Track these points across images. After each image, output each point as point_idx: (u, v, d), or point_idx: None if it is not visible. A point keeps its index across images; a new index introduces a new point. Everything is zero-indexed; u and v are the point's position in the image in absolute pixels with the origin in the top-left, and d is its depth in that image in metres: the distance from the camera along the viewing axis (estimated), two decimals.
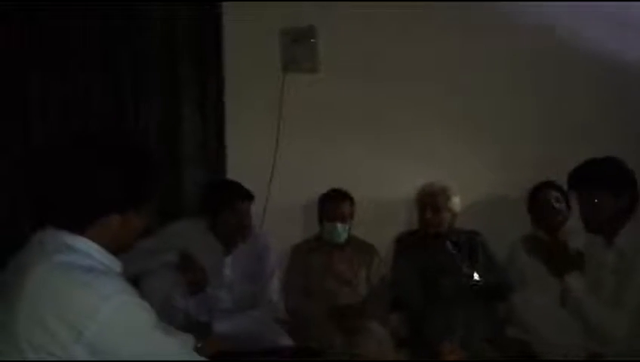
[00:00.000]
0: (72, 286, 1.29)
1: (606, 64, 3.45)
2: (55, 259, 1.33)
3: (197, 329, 2.50)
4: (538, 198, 3.13)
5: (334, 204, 3.10)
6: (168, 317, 2.51)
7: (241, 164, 3.32)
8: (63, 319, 1.27)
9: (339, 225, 3.08)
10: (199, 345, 2.05)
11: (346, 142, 3.45)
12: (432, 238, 3.15)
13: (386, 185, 3.43)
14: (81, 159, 1.40)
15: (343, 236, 3.11)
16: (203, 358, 1.48)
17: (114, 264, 1.42)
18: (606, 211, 2.23)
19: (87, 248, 1.38)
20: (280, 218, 3.34)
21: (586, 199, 2.27)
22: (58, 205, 1.39)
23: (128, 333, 1.32)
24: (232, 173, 3.26)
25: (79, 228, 1.38)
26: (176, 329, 2.32)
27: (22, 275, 1.33)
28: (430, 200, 3.14)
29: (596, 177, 2.26)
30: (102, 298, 1.28)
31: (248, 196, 2.79)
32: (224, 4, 3.34)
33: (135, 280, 2.57)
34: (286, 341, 2.69)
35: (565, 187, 2.98)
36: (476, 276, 2.99)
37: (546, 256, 2.43)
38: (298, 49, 3.47)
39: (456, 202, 3.16)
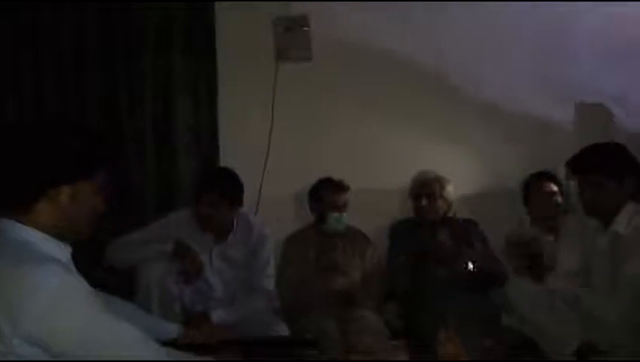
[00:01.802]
0: (7, 279, 1.28)
1: None
2: (2, 256, 1.32)
3: (194, 319, 2.51)
4: (532, 189, 3.12)
5: (337, 193, 3.09)
6: (165, 306, 2.51)
7: (235, 152, 3.30)
8: (1, 313, 1.25)
9: (344, 215, 3.08)
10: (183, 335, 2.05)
11: (340, 130, 3.44)
12: (426, 227, 3.15)
13: (380, 174, 3.42)
14: (25, 137, 1.41)
15: (344, 225, 3.11)
16: (152, 343, 1.46)
17: (58, 251, 1.40)
18: (607, 195, 2.23)
19: (27, 236, 1.36)
20: (274, 206, 3.33)
21: (588, 182, 2.27)
22: (7, 182, 1.38)
23: (66, 321, 1.30)
24: (225, 162, 3.23)
25: (28, 204, 1.37)
26: (172, 318, 2.35)
27: None
28: (425, 189, 3.14)
29: (600, 161, 2.27)
30: (37, 288, 1.26)
31: (212, 187, 2.67)
32: None
33: (131, 271, 2.58)
34: (282, 330, 2.68)
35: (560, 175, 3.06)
36: (470, 265, 2.98)
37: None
38: (291, 37, 3.45)
39: (450, 191, 3.16)
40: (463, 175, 3.39)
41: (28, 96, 3.20)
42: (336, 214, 3.08)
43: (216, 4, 3.35)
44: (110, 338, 1.36)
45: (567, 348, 2.31)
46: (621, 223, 2.23)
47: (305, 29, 3.44)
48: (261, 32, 3.42)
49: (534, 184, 3.10)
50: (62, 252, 1.41)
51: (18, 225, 1.36)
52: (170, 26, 3.28)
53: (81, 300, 1.32)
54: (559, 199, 3.06)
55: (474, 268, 2.98)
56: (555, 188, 3.06)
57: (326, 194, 3.12)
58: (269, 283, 2.81)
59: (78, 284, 1.34)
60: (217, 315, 2.57)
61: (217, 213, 2.68)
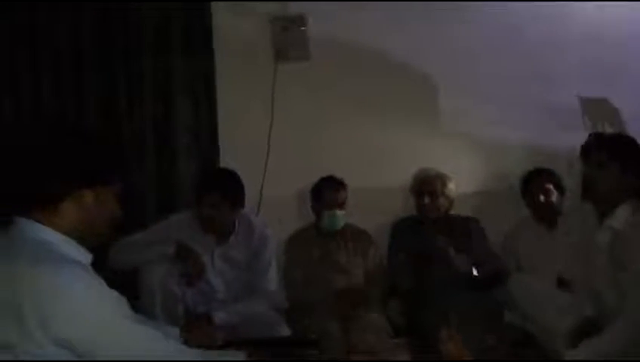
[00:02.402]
0: (36, 281, 1.29)
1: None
2: (19, 255, 1.33)
3: (197, 321, 2.51)
4: (531, 185, 3.13)
5: (333, 191, 3.09)
6: (168, 308, 2.52)
7: (235, 153, 3.30)
8: (30, 314, 1.27)
9: (338, 213, 3.08)
10: (183, 338, 2.05)
11: (340, 129, 3.44)
12: (428, 224, 3.15)
13: (381, 172, 3.43)
14: (53, 138, 1.44)
15: (342, 223, 3.11)
16: (178, 346, 1.51)
17: (81, 255, 1.42)
18: (610, 180, 2.19)
19: (51, 238, 1.38)
20: (275, 206, 3.33)
21: (591, 161, 2.24)
22: (33, 183, 1.39)
23: (94, 325, 1.32)
24: (226, 163, 3.23)
25: (52, 204, 1.39)
26: (175, 319, 2.36)
27: None
28: (427, 186, 3.14)
29: (607, 142, 2.28)
30: (61, 291, 1.28)
31: (212, 187, 2.67)
32: None
33: (134, 272, 2.58)
34: (284, 330, 2.69)
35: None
36: (475, 271, 3.00)
37: None
38: (288, 37, 3.45)
39: (452, 188, 3.16)
40: (464, 172, 3.39)
41: (25, 97, 3.20)
42: (330, 212, 3.08)
43: (213, 4, 3.35)
44: (132, 341, 1.39)
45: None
46: (619, 219, 2.19)
47: (302, 28, 3.44)
48: (259, 32, 3.43)
49: (533, 181, 3.11)
50: (82, 255, 1.43)
51: (37, 225, 1.38)
52: (168, 26, 3.29)
53: (105, 302, 1.35)
54: (558, 196, 3.07)
55: (477, 271, 2.99)
56: (552, 185, 3.06)
57: (322, 192, 3.12)
58: (271, 284, 2.81)
59: (101, 287, 1.36)
60: (219, 317, 2.57)
61: (219, 214, 2.68)
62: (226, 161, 3.28)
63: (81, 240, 1.44)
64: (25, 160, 1.41)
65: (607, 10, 3.39)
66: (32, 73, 3.20)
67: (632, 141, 2.29)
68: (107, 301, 1.36)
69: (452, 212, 3.22)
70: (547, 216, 3.09)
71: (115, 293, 1.38)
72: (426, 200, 3.13)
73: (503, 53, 3.45)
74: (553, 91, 3.44)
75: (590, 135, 2.35)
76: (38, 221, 1.39)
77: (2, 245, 1.38)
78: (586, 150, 2.31)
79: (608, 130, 3.43)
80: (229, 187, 2.70)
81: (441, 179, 3.15)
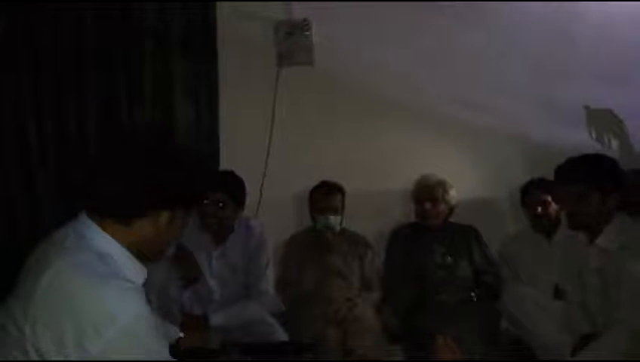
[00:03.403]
0: (83, 295, 1.25)
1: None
2: (70, 259, 1.29)
3: (193, 322, 2.51)
4: (529, 196, 3.13)
5: (325, 196, 3.10)
6: (164, 308, 2.52)
7: (235, 156, 3.30)
8: (70, 330, 1.23)
9: (331, 218, 3.08)
10: (181, 335, 2.05)
11: (341, 134, 3.45)
12: (428, 231, 3.15)
13: (382, 177, 3.43)
14: (144, 153, 1.40)
15: (336, 228, 3.11)
16: None
17: (137, 272, 1.38)
18: (592, 210, 2.18)
19: (108, 248, 1.33)
20: (273, 208, 3.34)
21: (573, 193, 2.21)
22: (114, 193, 1.35)
23: (131, 355, 1.27)
24: (226, 166, 3.23)
25: (128, 219, 1.36)
26: (171, 320, 2.36)
27: (37, 271, 1.30)
28: (428, 192, 3.14)
29: (587, 174, 2.20)
30: (112, 315, 1.23)
31: (217, 186, 2.68)
32: None
33: None
34: (281, 334, 2.69)
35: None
36: (474, 296, 3.02)
37: None
38: (293, 42, 3.45)
39: (453, 195, 3.17)
40: (465, 180, 3.39)
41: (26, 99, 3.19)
42: (323, 217, 3.08)
43: (218, 6, 3.35)
44: None
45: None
46: (607, 238, 2.19)
47: (307, 33, 3.45)
48: (262, 35, 3.43)
49: (531, 192, 3.11)
50: (139, 274, 1.39)
51: (106, 236, 1.34)
52: (170, 29, 3.28)
53: (150, 332, 1.30)
54: (556, 207, 3.06)
55: (475, 295, 3.00)
56: (551, 196, 3.05)
57: (316, 198, 3.12)
58: (267, 288, 2.81)
59: (145, 313, 1.30)
60: (215, 319, 2.58)
61: (223, 213, 2.70)
62: (226, 163, 3.29)
63: (138, 255, 1.39)
64: (121, 170, 1.37)
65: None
66: (31, 75, 3.19)
67: (607, 164, 2.25)
68: (152, 327, 1.30)
69: (452, 219, 3.23)
70: (545, 227, 3.09)
71: (153, 317, 1.32)
72: (427, 206, 3.13)
73: (506, 58, 3.45)
74: (557, 92, 3.43)
75: (560, 168, 2.27)
76: (106, 227, 1.35)
77: (60, 242, 1.34)
78: (564, 179, 2.26)
79: (613, 141, 3.43)
80: (235, 187, 2.73)
81: (443, 186, 3.15)
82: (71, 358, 1.23)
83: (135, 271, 1.37)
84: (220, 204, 2.68)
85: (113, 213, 1.36)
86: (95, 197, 1.38)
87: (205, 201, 2.67)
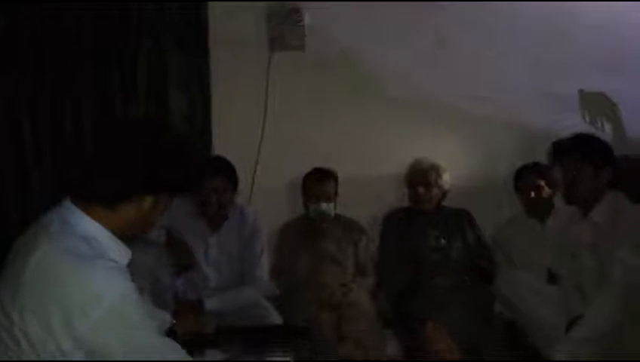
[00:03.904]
0: (69, 278, 1.27)
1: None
2: (56, 244, 1.31)
3: (187, 307, 2.51)
4: (522, 181, 3.14)
5: (318, 183, 3.09)
6: (157, 295, 2.51)
7: (228, 142, 3.29)
8: (57, 313, 1.25)
9: (324, 205, 3.08)
10: (174, 322, 2.05)
11: (333, 119, 3.43)
12: (421, 215, 3.15)
13: (375, 163, 3.42)
14: (130, 138, 1.41)
15: (330, 215, 3.11)
16: (189, 358, 1.47)
17: (121, 254, 1.40)
18: (586, 183, 2.31)
19: (94, 232, 1.35)
20: (267, 196, 3.33)
21: (569, 169, 2.34)
22: (99, 178, 1.37)
23: (119, 333, 1.30)
24: (219, 152, 3.22)
25: (113, 203, 1.37)
26: (164, 307, 2.35)
27: (24, 256, 1.31)
28: (421, 177, 3.14)
29: (581, 149, 2.35)
30: (98, 295, 1.26)
31: (218, 172, 2.71)
32: None
33: None
34: (275, 318, 2.69)
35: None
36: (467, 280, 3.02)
37: None
38: (284, 27, 3.44)
39: (446, 180, 3.17)
40: (461, 166, 3.40)
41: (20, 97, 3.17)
42: (315, 205, 3.08)
43: None
44: (150, 352, 1.36)
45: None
46: (600, 213, 2.30)
47: (298, 18, 3.43)
48: (254, 21, 3.41)
49: (524, 176, 3.12)
50: (124, 254, 1.42)
51: (90, 220, 1.36)
52: (162, 18, 3.26)
53: (137, 310, 1.33)
54: (550, 191, 3.08)
55: (469, 279, 3.01)
56: (544, 180, 3.07)
57: (308, 184, 3.12)
58: (262, 273, 2.82)
59: (132, 294, 1.33)
60: (209, 304, 2.58)
61: (223, 198, 2.71)
62: (219, 149, 3.28)
63: (119, 236, 1.42)
64: (98, 154, 1.41)
65: None
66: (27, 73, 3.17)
67: (598, 141, 2.42)
68: (134, 309, 1.32)
69: (446, 204, 3.23)
70: (539, 211, 3.10)
71: (140, 298, 1.36)
72: (420, 190, 3.13)
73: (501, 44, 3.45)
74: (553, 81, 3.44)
75: (555, 143, 2.44)
76: (90, 212, 1.37)
77: (45, 227, 1.36)
78: (556, 157, 2.41)
79: (606, 125, 3.46)
80: (232, 172, 2.75)
81: (436, 170, 3.15)
82: (61, 342, 1.24)
83: (119, 252, 1.40)
84: (220, 190, 2.69)
85: (98, 199, 1.37)
86: (81, 184, 1.40)
87: (204, 190, 2.68)
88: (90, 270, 1.28)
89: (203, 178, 2.71)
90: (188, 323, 2.19)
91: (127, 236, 1.44)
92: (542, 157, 3.04)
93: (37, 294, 1.27)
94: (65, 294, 1.26)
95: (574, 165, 2.32)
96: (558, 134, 2.59)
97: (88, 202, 1.37)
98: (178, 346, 1.43)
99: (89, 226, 1.36)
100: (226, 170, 2.74)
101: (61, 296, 1.26)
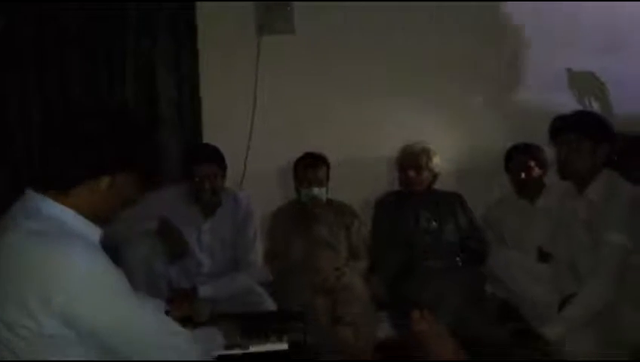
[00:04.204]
0: (39, 256, 1.27)
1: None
2: (23, 227, 1.31)
3: (181, 294, 2.52)
4: (513, 161, 3.15)
5: (309, 168, 3.09)
6: (151, 283, 2.51)
7: (218, 127, 3.28)
8: (31, 290, 1.25)
9: (315, 190, 3.08)
10: (168, 310, 2.06)
11: (324, 103, 3.42)
12: (412, 198, 3.16)
13: (366, 146, 3.43)
14: (76, 122, 1.40)
15: (321, 199, 3.11)
16: (177, 326, 1.48)
17: (90, 231, 1.39)
18: (584, 158, 2.29)
19: (59, 213, 1.35)
20: (258, 181, 3.33)
21: (566, 144, 2.32)
22: (51, 165, 1.38)
23: (98, 303, 1.30)
24: (209, 138, 3.21)
25: (67, 188, 1.37)
26: (158, 295, 2.35)
27: None
28: (412, 160, 3.14)
29: (579, 124, 2.33)
30: (69, 267, 1.26)
31: (210, 159, 2.72)
32: None
33: (116, 248, 2.56)
34: (269, 304, 2.70)
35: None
36: (459, 260, 3.04)
37: None
38: (273, 11, 3.42)
39: (437, 163, 3.17)
40: (448, 148, 3.40)
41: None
42: (307, 190, 3.07)
43: None
44: (133, 321, 1.37)
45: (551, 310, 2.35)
46: (595, 190, 2.28)
47: (287, 2, 3.41)
48: (243, 5, 3.39)
49: (515, 157, 3.13)
50: (93, 232, 1.40)
51: (52, 202, 1.36)
52: (151, 1, 3.23)
53: (111, 281, 1.33)
54: (540, 171, 3.09)
55: (460, 260, 3.03)
56: (534, 161, 3.08)
57: (299, 169, 3.12)
58: (255, 259, 2.82)
59: (108, 265, 1.34)
60: (204, 290, 2.58)
61: (216, 184, 2.71)
62: (209, 135, 3.26)
63: (91, 219, 1.41)
64: (48, 141, 1.40)
65: None
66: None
67: (597, 117, 2.43)
68: (110, 279, 1.33)
69: (437, 187, 3.24)
70: (530, 191, 3.12)
71: (117, 271, 1.36)
72: (411, 173, 3.13)
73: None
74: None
75: (555, 119, 2.40)
76: (54, 198, 1.36)
77: (11, 216, 1.36)
78: (555, 133, 2.38)
79: (594, 103, 3.48)
80: (222, 158, 2.76)
81: (427, 153, 3.15)
82: (43, 322, 1.24)
83: (87, 228, 1.39)
84: (212, 176, 2.70)
85: (50, 186, 1.37)
86: (35, 173, 1.42)
87: (197, 176, 2.69)
88: (59, 246, 1.29)
89: (194, 165, 2.71)
90: (182, 311, 2.19)
91: (99, 219, 1.43)
92: (532, 137, 3.06)
93: (10, 280, 1.27)
94: (37, 273, 1.26)
95: (573, 140, 2.30)
96: (548, 114, 2.56)
97: (45, 190, 1.37)
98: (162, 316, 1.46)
99: (52, 208, 1.36)
100: (217, 157, 2.74)
101: (33, 276, 1.26)
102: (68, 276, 1.26)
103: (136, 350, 1.37)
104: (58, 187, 1.37)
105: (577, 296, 2.18)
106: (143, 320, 1.39)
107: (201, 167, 2.69)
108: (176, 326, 1.49)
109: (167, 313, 2.03)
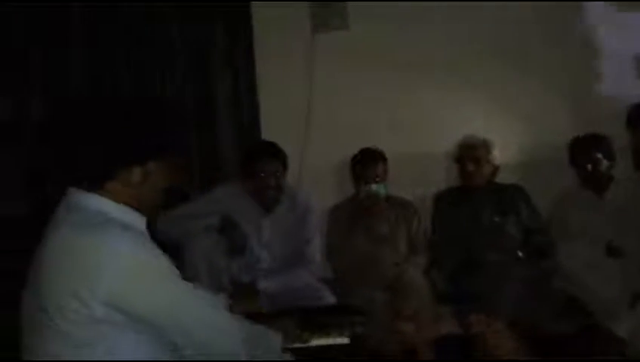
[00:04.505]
0: (86, 246, 1.30)
1: None
2: (66, 223, 1.35)
3: (242, 289, 2.56)
4: (577, 152, 3.04)
5: (367, 165, 3.07)
6: (213, 278, 2.57)
7: (275, 125, 3.31)
8: (81, 279, 1.28)
9: (374, 186, 3.06)
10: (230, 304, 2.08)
11: (379, 98, 3.41)
12: (473, 193, 3.10)
13: (424, 141, 3.40)
14: (98, 114, 1.41)
15: (381, 196, 3.09)
16: (225, 311, 1.49)
17: (134, 219, 1.41)
18: None
19: (99, 205, 1.37)
20: (316, 176, 3.36)
21: None
22: (79, 163, 1.39)
23: (145, 288, 1.32)
24: (266, 136, 3.25)
25: (100, 183, 1.38)
26: (220, 290, 2.41)
27: (40, 248, 1.35)
28: (471, 153, 3.07)
29: None
30: (110, 253, 1.28)
31: (274, 156, 2.75)
32: None
33: (178, 245, 2.63)
34: (329, 299, 2.71)
35: None
36: (520, 254, 2.97)
37: None
38: (327, 8, 3.42)
39: (496, 155, 3.10)
40: (510, 141, 3.34)
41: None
42: (366, 187, 3.05)
43: None
44: (181, 301, 1.38)
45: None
46: None
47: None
48: (298, 2, 3.42)
49: (580, 148, 3.02)
50: (137, 221, 1.43)
51: (93, 196, 1.38)
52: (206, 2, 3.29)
53: (157, 266, 1.35)
54: (605, 162, 2.97)
55: (523, 254, 2.96)
56: (599, 152, 2.96)
57: (357, 166, 3.10)
58: (315, 254, 2.84)
59: (154, 251, 1.36)
60: (264, 286, 2.62)
61: (280, 181, 2.75)
62: (267, 132, 3.30)
63: (135, 210, 1.43)
64: (71, 141, 1.40)
65: None
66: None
67: None
68: (158, 264, 1.35)
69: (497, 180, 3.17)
70: (597, 184, 3.00)
71: (165, 258, 1.38)
72: (471, 167, 3.06)
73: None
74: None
75: (633, 105, 2.27)
76: (95, 192, 1.38)
77: (57, 216, 1.39)
78: (634, 119, 2.23)
79: None
80: (284, 155, 2.79)
81: (486, 146, 3.08)
82: (94, 309, 1.26)
83: (131, 216, 1.41)
84: (278, 173, 2.74)
85: (87, 182, 1.38)
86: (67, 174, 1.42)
87: (262, 173, 2.71)
88: (104, 236, 1.30)
89: (258, 162, 2.73)
90: (243, 305, 2.22)
91: (143, 213, 1.44)
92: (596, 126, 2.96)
93: (61, 271, 1.30)
94: (86, 262, 1.28)
95: None
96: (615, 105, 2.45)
97: (85, 189, 1.39)
98: (208, 299, 1.45)
99: (95, 202, 1.37)
100: (280, 154, 2.77)
101: (82, 265, 1.29)
102: (115, 263, 1.28)
103: (185, 332, 1.38)
104: (92, 186, 1.38)
105: None
106: (191, 303, 1.40)
107: (266, 164, 2.72)
108: (225, 312, 1.50)
109: (229, 308, 2.08)
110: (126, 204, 1.41)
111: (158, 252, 1.36)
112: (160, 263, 1.36)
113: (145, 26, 3.25)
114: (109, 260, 1.28)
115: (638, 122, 2.25)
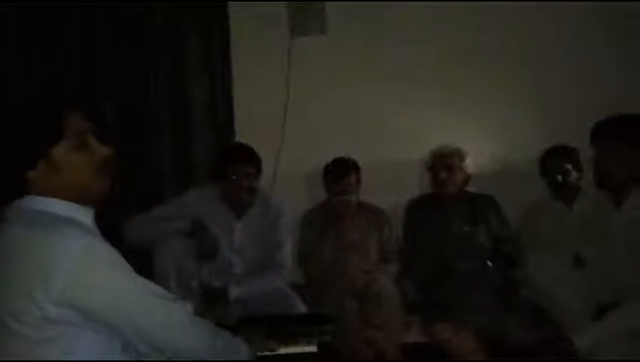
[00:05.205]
0: (36, 246, 1.29)
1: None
2: (16, 227, 1.35)
3: (213, 294, 2.54)
4: (547, 164, 3.09)
5: (338, 177, 3.07)
6: (182, 283, 2.54)
7: (250, 128, 3.30)
8: (34, 279, 1.27)
9: (344, 198, 3.07)
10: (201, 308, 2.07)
11: (356, 104, 3.41)
12: (444, 200, 3.13)
13: (397, 149, 3.40)
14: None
15: (352, 205, 3.10)
16: (185, 310, 1.47)
17: (80, 214, 1.40)
18: (625, 168, 2.13)
19: (43, 205, 1.37)
20: (290, 182, 3.34)
21: (607, 152, 2.16)
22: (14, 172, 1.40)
23: (94, 282, 1.31)
24: (242, 138, 3.23)
25: (30, 175, 1.38)
26: (190, 295, 2.38)
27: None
28: (444, 161, 3.10)
29: (622, 131, 2.15)
30: (63, 251, 1.28)
31: (248, 159, 2.73)
32: None
33: (149, 248, 2.61)
34: (299, 307, 2.71)
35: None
36: (489, 263, 3.00)
37: None
38: (305, 12, 3.42)
39: (469, 163, 3.13)
40: (483, 150, 3.37)
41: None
42: (336, 198, 3.06)
43: None
44: (139, 296, 1.37)
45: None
46: (634, 203, 2.14)
47: (320, 2, 3.41)
48: (275, 6, 3.40)
49: (551, 160, 3.07)
50: (83, 214, 1.41)
51: (36, 197, 1.38)
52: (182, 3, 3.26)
53: (104, 260, 1.33)
54: (575, 173, 3.02)
55: (492, 264, 2.99)
56: (569, 163, 3.01)
57: (329, 176, 3.10)
58: (286, 260, 2.83)
59: (99, 245, 1.34)
60: (235, 292, 2.60)
61: (253, 183, 2.73)
62: (242, 136, 3.28)
63: (82, 200, 1.41)
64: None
65: None
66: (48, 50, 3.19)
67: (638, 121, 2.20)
68: (108, 258, 1.33)
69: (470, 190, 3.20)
70: (566, 195, 3.05)
71: (115, 251, 1.35)
72: (443, 174, 3.09)
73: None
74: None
75: (596, 123, 2.22)
76: (37, 194, 1.38)
77: (4, 220, 1.39)
78: (595, 138, 2.22)
79: None
80: (258, 158, 2.77)
81: (459, 154, 3.11)
82: (47, 309, 1.26)
83: (80, 214, 1.40)
84: (250, 176, 2.72)
85: (16, 180, 1.38)
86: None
87: (235, 176, 2.69)
88: (52, 234, 1.30)
89: (232, 164, 2.71)
90: (214, 310, 2.20)
91: (89, 196, 1.43)
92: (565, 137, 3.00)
93: (15, 274, 1.30)
94: (36, 262, 1.28)
95: (617, 149, 2.12)
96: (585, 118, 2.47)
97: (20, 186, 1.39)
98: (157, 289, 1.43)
99: (39, 203, 1.38)
100: (254, 157, 2.75)
101: (34, 265, 1.28)
102: (63, 259, 1.27)
103: (137, 328, 1.36)
104: (22, 177, 1.38)
105: (617, 309, 2.10)
106: (143, 297, 1.38)
107: (240, 167, 2.70)
108: (185, 311, 1.48)
109: (200, 313, 2.06)
110: (69, 199, 1.39)
111: (106, 246, 1.35)
112: (110, 258, 1.34)
113: (120, 26, 3.21)
114: (56, 258, 1.27)
115: (600, 141, 2.22)
